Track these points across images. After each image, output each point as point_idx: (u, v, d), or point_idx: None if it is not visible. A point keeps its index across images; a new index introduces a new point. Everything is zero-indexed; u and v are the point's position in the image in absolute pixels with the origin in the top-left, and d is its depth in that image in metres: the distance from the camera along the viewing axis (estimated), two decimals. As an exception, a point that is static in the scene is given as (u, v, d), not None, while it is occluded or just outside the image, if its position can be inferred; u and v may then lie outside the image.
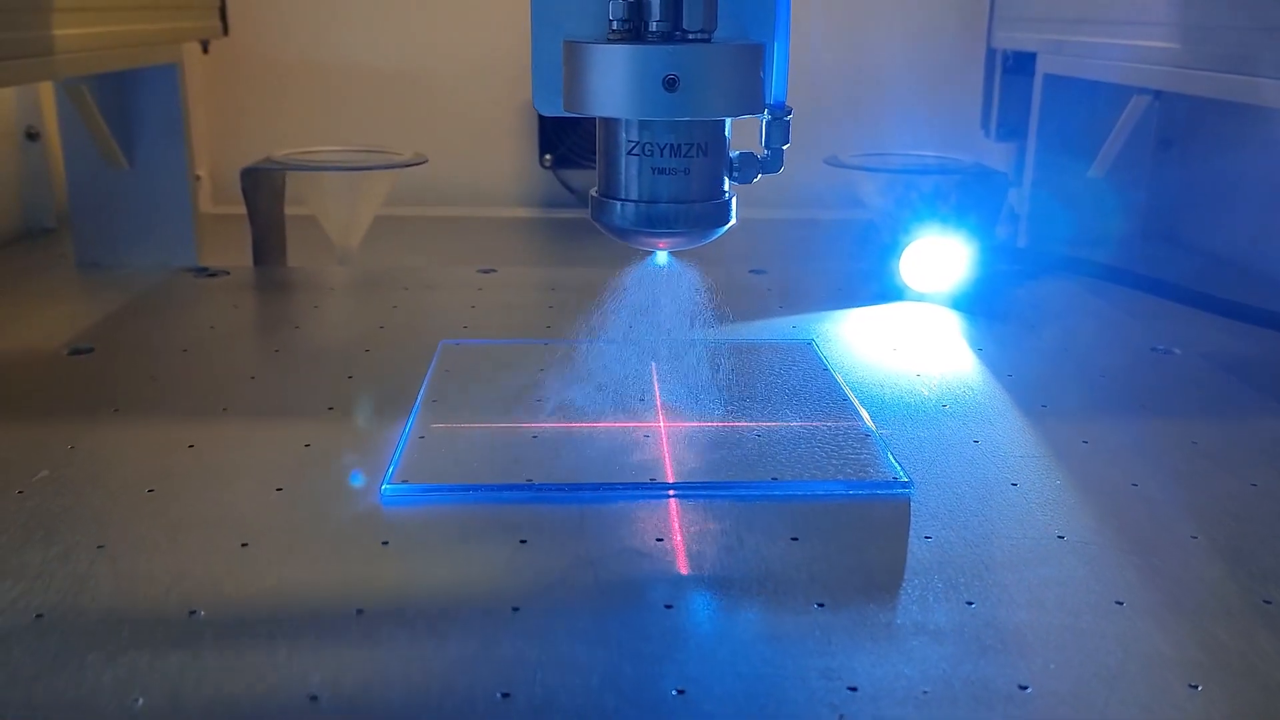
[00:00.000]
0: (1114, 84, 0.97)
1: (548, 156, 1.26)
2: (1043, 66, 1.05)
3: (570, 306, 0.71)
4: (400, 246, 1.09)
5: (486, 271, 0.84)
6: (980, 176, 0.85)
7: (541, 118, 1.24)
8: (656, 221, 0.50)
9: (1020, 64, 1.12)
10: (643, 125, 0.48)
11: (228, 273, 0.81)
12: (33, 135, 1.17)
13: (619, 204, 0.50)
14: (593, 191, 0.52)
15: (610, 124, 0.50)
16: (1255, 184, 1.01)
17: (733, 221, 0.51)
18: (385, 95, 1.25)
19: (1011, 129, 1.13)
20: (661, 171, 0.49)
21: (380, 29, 1.25)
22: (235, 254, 0.90)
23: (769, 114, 0.50)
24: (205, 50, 1.15)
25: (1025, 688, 0.35)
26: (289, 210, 0.88)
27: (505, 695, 0.34)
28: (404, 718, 0.33)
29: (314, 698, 0.34)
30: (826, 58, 1.23)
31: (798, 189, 1.20)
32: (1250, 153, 1.01)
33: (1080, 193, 1.03)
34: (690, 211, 0.50)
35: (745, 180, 0.51)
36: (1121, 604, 0.40)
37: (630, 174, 0.49)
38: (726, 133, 0.50)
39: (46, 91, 1.12)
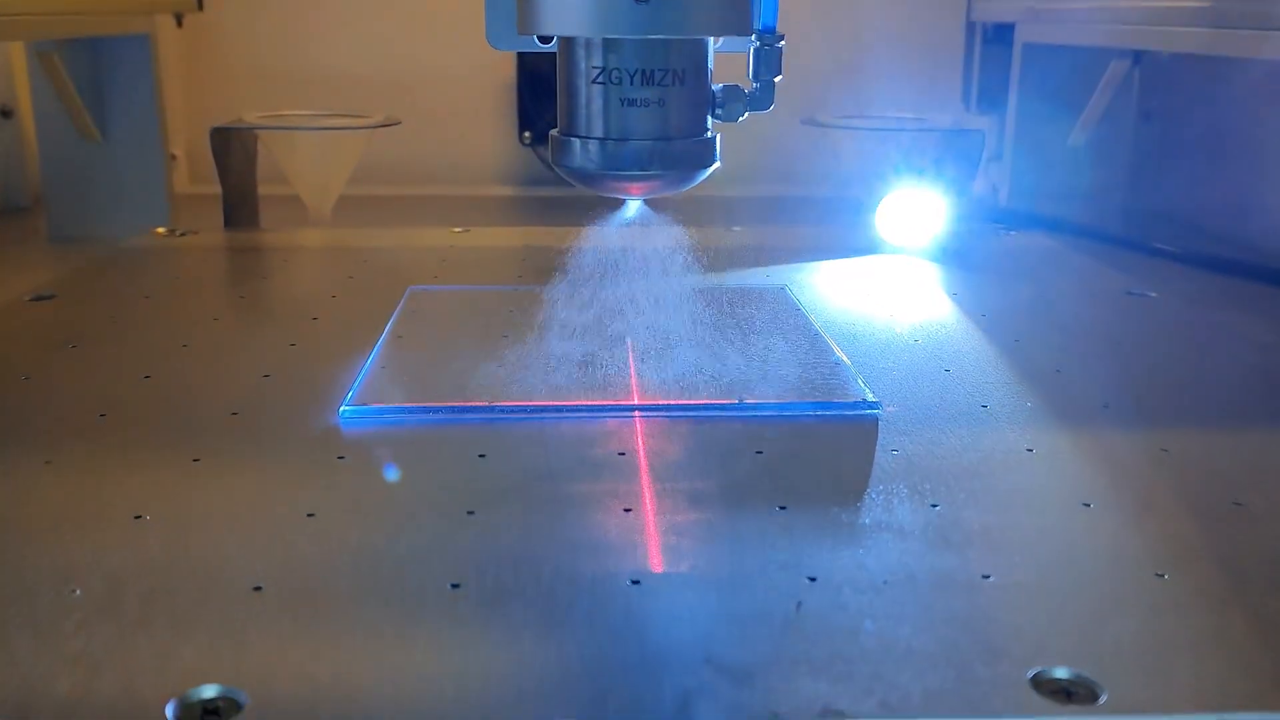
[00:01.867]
0: (1092, 51, 0.97)
1: (527, 134, 1.25)
2: (1021, 36, 1.05)
3: (543, 260, 0.70)
4: (376, 225, 1.08)
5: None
6: (957, 133, 0.84)
7: (521, 92, 1.24)
8: (627, 162, 0.43)
9: (999, 35, 1.12)
10: (608, 46, 0.42)
11: (196, 232, 0.80)
12: (6, 113, 1.16)
13: (582, 143, 0.44)
14: (552, 132, 0.46)
15: (571, 46, 0.44)
16: (1236, 154, 1.00)
17: (717, 164, 0.46)
18: (363, 74, 1.24)
19: (991, 101, 1.13)
20: (632, 103, 0.43)
21: (357, 8, 1.25)
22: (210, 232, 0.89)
23: (757, 39, 0.45)
24: (180, 24, 1.14)
25: (988, 577, 0.34)
26: (263, 190, 0.86)
27: (455, 585, 0.33)
28: (350, 605, 0.32)
29: (258, 588, 0.33)
30: (804, 33, 1.23)
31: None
32: (1231, 122, 1.01)
33: (1060, 162, 1.03)
34: (667, 151, 0.43)
35: (731, 118, 0.45)
36: (1089, 505, 0.39)
37: (595, 107, 0.43)
38: (709, 60, 0.44)
39: (20, 68, 1.11)
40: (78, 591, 0.32)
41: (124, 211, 1.02)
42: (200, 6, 1.14)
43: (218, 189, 0.84)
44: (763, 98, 0.46)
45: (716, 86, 0.46)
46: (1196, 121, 1.03)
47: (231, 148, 0.81)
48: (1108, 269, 0.74)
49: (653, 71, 0.43)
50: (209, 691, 0.28)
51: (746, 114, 0.46)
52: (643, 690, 0.28)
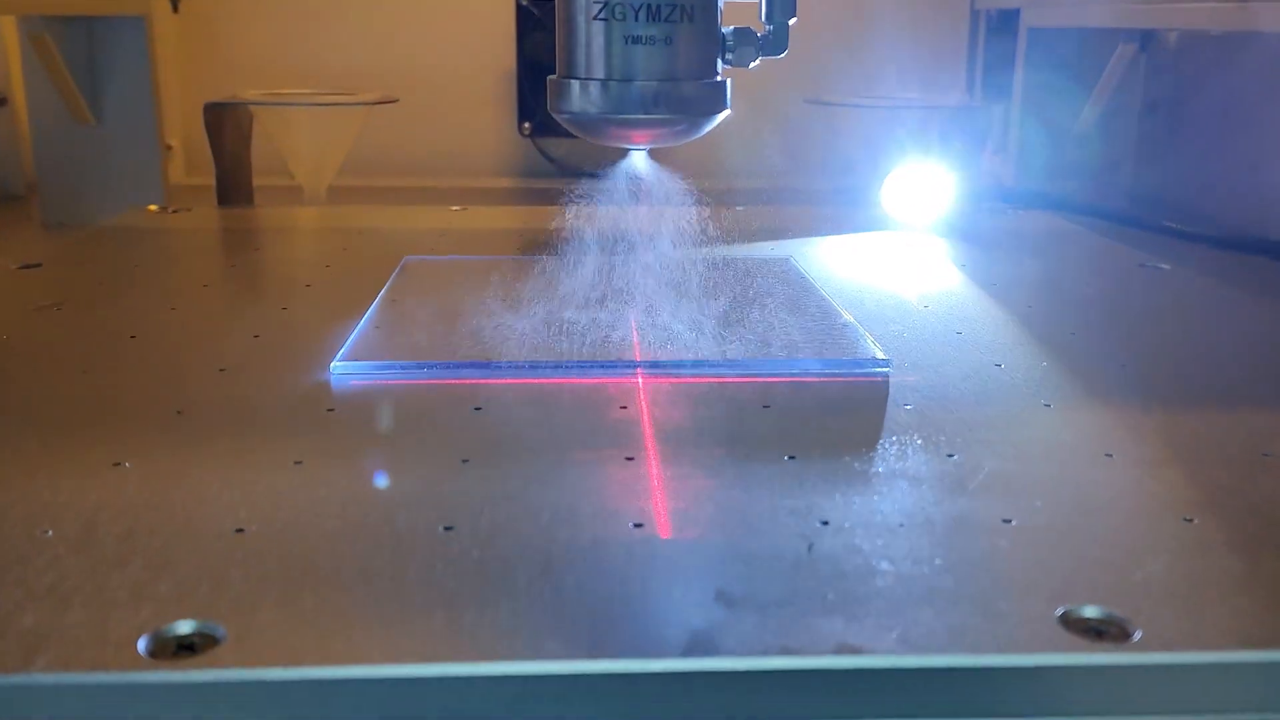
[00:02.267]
0: (1099, 33, 0.96)
1: (527, 125, 1.23)
2: (1027, 20, 1.03)
3: (543, 237, 0.69)
4: (373, 204, 1.06)
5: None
6: (961, 111, 0.83)
7: (521, 83, 1.22)
8: (631, 104, 0.41)
9: (1004, 22, 1.11)
10: None
11: (189, 209, 0.79)
12: (1, 100, 1.14)
13: (582, 84, 0.41)
14: (550, 78, 0.43)
15: None
16: (1243, 135, 0.99)
17: (728, 110, 0.43)
18: (362, 64, 1.23)
19: (997, 88, 1.11)
20: (637, 40, 0.40)
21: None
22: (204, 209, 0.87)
23: None
24: (175, 8, 1.12)
25: (1009, 520, 0.32)
26: (259, 181, 0.85)
27: (448, 528, 0.31)
28: (336, 546, 0.30)
29: (240, 530, 0.31)
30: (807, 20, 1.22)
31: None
32: (1238, 103, 0.99)
33: (1066, 145, 1.02)
34: (675, 92, 0.40)
35: (742, 62, 0.43)
36: (1111, 456, 0.37)
37: (597, 45, 0.40)
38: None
39: (13, 54, 1.10)
40: (49, 532, 0.31)
41: (118, 196, 1.00)
42: (197, -9, 1.13)
43: (214, 180, 0.83)
44: (776, 41, 0.43)
45: (727, 29, 0.43)
46: (1203, 103, 1.02)
47: (225, 124, 0.80)
48: (1118, 244, 0.73)
49: (659, 6, 0.40)
50: (184, 627, 0.26)
51: (759, 59, 0.44)
52: (648, 627, 0.26)
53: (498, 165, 1.28)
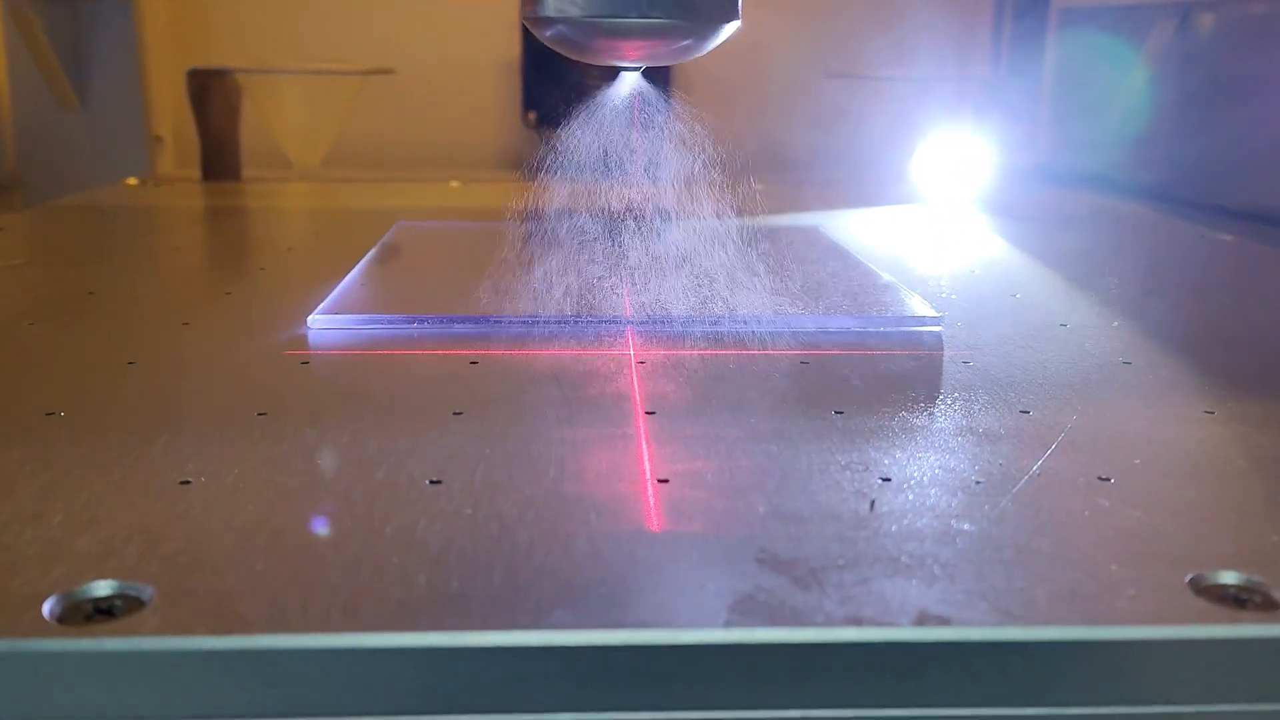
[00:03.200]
0: (1135, 11, 0.91)
1: (531, 114, 1.18)
2: (1058, 1, 0.99)
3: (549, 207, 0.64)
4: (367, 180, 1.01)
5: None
6: (990, 85, 0.78)
7: (526, 72, 1.17)
8: (621, 2, 0.34)
9: (1031, 5, 1.06)
10: None
11: (171, 183, 0.74)
12: (-17, 87, 1.10)
13: None
14: None
15: None
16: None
17: (737, 22, 0.37)
18: (361, 53, 1.18)
19: (1023, 67, 1.06)
20: None
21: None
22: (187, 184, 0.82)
23: None
24: (167, -10, 1.08)
25: (1107, 479, 0.27)
26: (248, 171, 0.80)
27: (435, 482, 0.26)
28: (299, 500, 0.25)
29: (185, 482, 0.26)
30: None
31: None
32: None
33: (1101, 124, 0.96)
34: None
35: None
36: (1212, 413, 0.32)
37: None
38: None
39: (-4, 33, 1.05)
40: (-41, 486, 0.26)
41: (102, 182, 0.95)
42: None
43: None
44: None
45: None
46: (1241, 82, 0.97)
47: (211, 94, 0.75)
48: (1170, 218, 0.68)
49: None
50: (102, 589, 0.21)
51: None
52: (676, 594, 0.21)
53: (499, 156, 1.23)
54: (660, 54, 0.37)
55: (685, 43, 0.36)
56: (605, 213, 0.46)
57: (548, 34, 0.37)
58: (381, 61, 1.16)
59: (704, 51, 0.38)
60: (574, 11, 0.35)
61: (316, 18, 1.17)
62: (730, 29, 0.37)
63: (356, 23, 1.17)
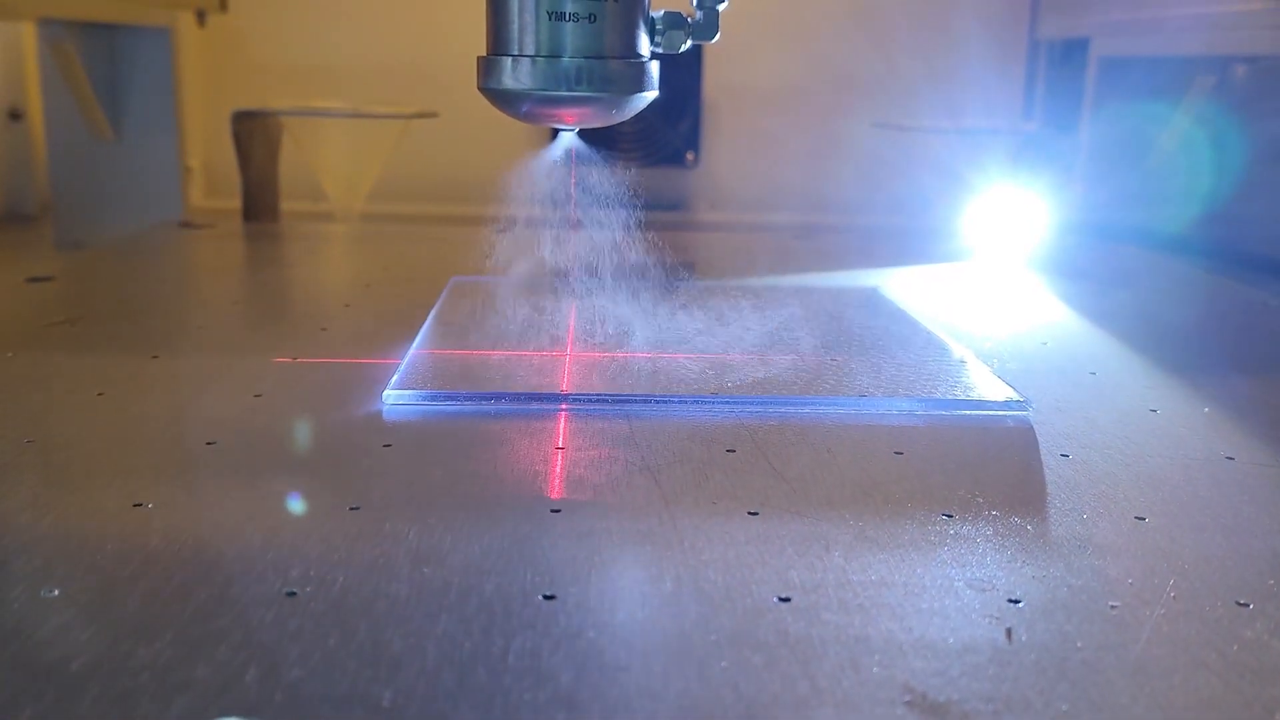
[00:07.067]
0: (1175, 62, 0.90)
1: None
2: (1097, 49, 0.98)
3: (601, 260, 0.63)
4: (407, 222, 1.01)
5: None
6: (1039, 138, 0.77)
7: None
8: (557, 80, 0.40)
9: (1068, 54, 1.06)
10: None
11: (212, 225, 0.73)
12: (16, 115, 1.09)
13: (511, 61, 0.40)
14: (479, 56, 0.42)
15: None
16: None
17: (654, 92, 0.42)
18: (395, 81, 1.18)
19: (1060, 117, 1.06)
20: (562, 17, 0.39)
21: (389, 12, 1.18)
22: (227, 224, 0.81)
23: None
24: (201, 22, 1.07)
25: (1245, 604, 0.26)
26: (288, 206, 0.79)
27: (549, 597, 0.25)
28: (404, 614, 0.24)
29: (291, 593, 0.25)
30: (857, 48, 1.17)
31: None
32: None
33: (1141, 175, 0.96)
34: (600, 70, 0.40)
35: (672, 47, 0.42)
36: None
37: (525, 21, 0.40)
38: None
39: (31, 67, 1.05)
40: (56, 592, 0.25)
41: (136, 217, 0.95)
42: (224, 7, 1.08)
43: (235, 203, 0.77)
44: (707, 27, 0.43)
45: (656, 13, 0.42)
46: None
47: (254, 134, 0.74)
48: (1228, 280, 0.67)
49: None
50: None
51: (689, 43, 0.43)
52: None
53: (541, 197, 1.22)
54: (589, 118, 0.42)
55: (608, 106, 0.41)
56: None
57: (499, 100, 0.41)
58: (417, 92, 1.16)
59: (627, 115, 0.42)
60: (519, 86, 0.40)
61: (352, 45, 1.17)
62: (648, 97, 0.42)
63: (390, 50, 1.17)
